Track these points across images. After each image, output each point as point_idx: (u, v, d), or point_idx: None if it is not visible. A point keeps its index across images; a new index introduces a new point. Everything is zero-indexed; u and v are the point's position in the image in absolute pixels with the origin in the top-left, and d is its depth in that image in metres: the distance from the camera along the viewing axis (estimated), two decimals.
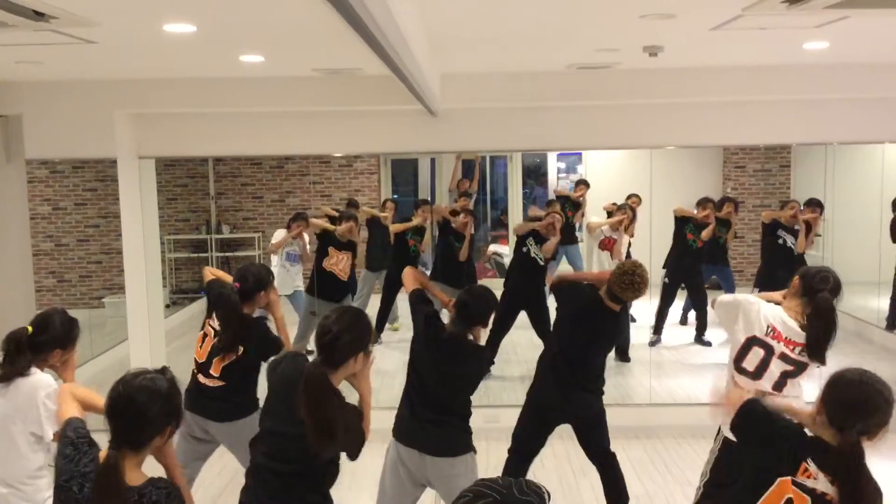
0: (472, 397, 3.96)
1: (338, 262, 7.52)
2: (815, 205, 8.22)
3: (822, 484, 2.45)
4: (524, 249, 7.37)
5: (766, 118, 6.35)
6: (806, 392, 3.90)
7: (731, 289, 8.74)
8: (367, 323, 3.17)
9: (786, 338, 3.81)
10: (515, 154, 11.96)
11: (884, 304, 8.66)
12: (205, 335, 4.61)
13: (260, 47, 4.67)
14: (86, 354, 8.04)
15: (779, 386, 3.77)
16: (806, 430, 2.59)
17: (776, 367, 3.79)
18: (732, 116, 6.33)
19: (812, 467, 2.44)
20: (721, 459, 3.96)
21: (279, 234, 8.05)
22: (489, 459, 5.63)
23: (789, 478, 2.47)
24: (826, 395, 2.53)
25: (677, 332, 8.92)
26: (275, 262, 8.28)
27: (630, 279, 4.31)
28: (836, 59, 5.53)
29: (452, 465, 3.80)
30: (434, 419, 3.83)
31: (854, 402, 2.47)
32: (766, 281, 7.64)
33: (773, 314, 3.87)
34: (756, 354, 3.85)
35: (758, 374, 3.82)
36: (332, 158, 11.33)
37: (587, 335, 4.51)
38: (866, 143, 8.08)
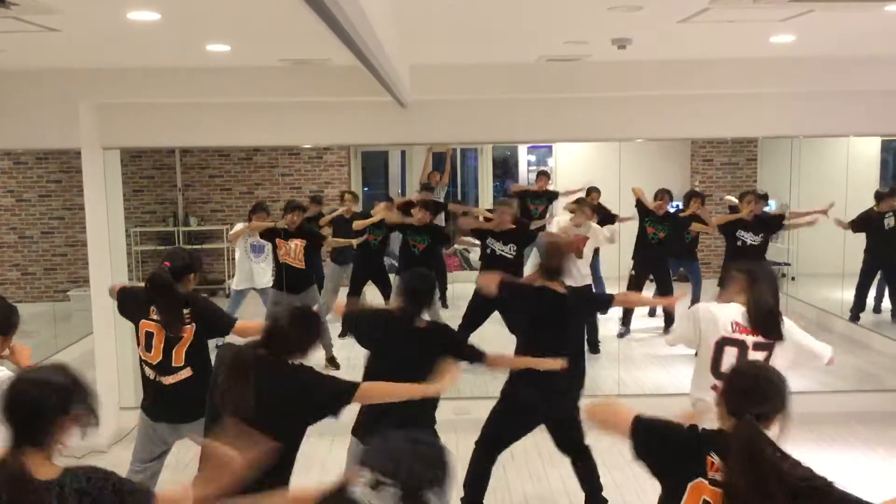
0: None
1: (288, 252, 7.45)
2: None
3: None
4: (488, 251, 7.31)
5: (733, 111, 6.40)
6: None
7: (698, 282, 8.82)
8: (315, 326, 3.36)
9: (751, 328, 3.86)
10: (486, 147, 11.99)
11: (848, 295, 8.79)
12: (148, 334, 4.36)
13: (226, 36, 4.61)
14: (51, 348, 7.93)
15: None
16: (701, 427, 2.59)
17: (756, 357, 3.81)
18: (700, 109, 6.38)
19: (716, 460, 2.43)
20: None
21: (238, 226, 7.97)
22: (458, 451, 5.63)
23: (699, 479, 2.44)
24: (725, 386, 2.60)
25: (645, 324, 8.99)
26: (239, 255, 8.20)
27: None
28: (803, 52, 5.59)
29: None
30: None
31: (747, 389, 2.53)
32: None
33: (731, 312, 3.95)
34: (730, 355, 3.87)
35: None
36: (302, 150, 11.26)
37: (554, 326, 4.51)
38: (832, 137, 8.19)
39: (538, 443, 5.59)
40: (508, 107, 6.35)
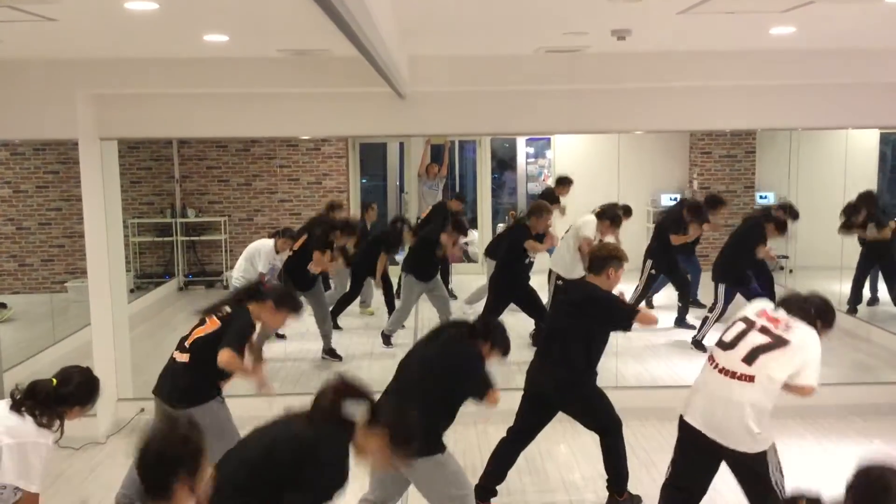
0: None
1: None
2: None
3: None
4: (526, 261, 7.43)
5: (732, 104, 6.39)
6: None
7: (696, 273, 8.86)
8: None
9: (771, 316, 3.86)
10: (484, 139, 11.97)
11: (846, 288, 8.80)
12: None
13: (224, 26, 4.59)
14: (48, 339, 7.93)
15: (749, 359, 3.74)
16: None
17: (753, 339, 3.78)
18: (699, 102, 6.36)
19: None
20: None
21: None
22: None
23: None
24: (853, 483, 2.54)
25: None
26: (246, 266, 8.16)
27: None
28: (803, 44, 5.57)
29: None
30: None
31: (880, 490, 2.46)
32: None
33: (765, 303, 4.04)
34: (737, 328, 3.90)
35: (733, 344, 3.83)
36: (300, 142, 11.23)
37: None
38: (831, 129, 8.18)
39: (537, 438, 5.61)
40: (507, 98, 6.33)
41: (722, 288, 7.74)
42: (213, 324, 4.38)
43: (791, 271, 10.14)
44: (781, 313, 3.86)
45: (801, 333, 3.76)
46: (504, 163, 13.80)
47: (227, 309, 4.42)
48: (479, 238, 12.02)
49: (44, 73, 5.83)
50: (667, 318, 8.72)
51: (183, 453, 2.36)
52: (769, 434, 3.74)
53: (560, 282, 7.63)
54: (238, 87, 6.04)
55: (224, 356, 4.18)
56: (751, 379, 3.68)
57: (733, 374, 3.71)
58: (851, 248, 8.71)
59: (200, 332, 4.40)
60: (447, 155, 11.56)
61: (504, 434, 4.88)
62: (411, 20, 4.41)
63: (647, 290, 8.78)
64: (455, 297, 8.13)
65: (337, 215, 9.00)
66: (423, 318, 8.54)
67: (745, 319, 3.91)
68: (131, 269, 10.57)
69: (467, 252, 11.38)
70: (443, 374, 4.00)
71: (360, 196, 12.08)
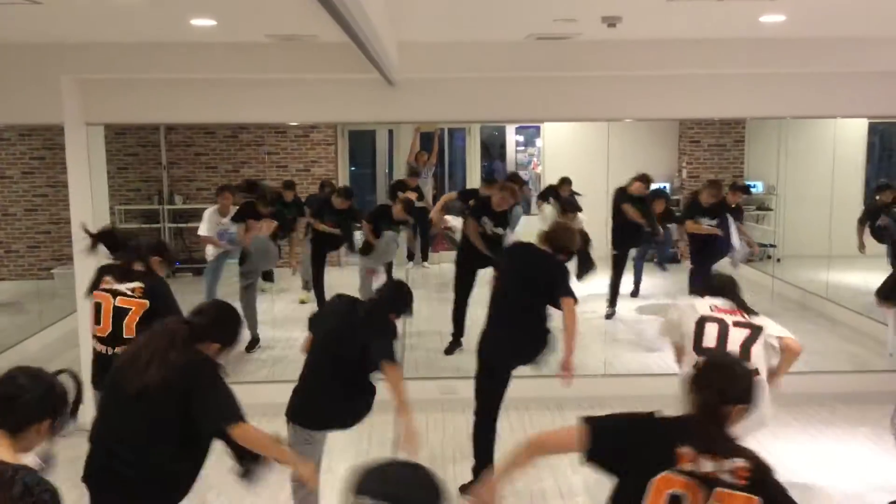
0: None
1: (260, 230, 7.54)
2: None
3: (707, 466, 2.30)
4: (479, 230, 7.25)
5: (722, 92, 6.39)
6: None
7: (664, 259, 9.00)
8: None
9: (728, 308, 3.98)
10: (474, 126, 11.94)
11: (833, 277, 8.82)
12: (98, 305, 4.46)
13: (211, 10, 4.55)
14: (35, 326, 7.89)
15: (745, 355, 3.80)
16: (660, 415, 2.53)
17: (737, 335, 3.84)
18: (689, 90, 6.36)
19: (687, 451, 2.31)
20: None
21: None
22: (446, 429, 5.65)
23: (666, 472, 2.31)
24: (696, 371, 2.59)
25: (632, 305, 9.02)
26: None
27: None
28: (792, 32, 5.57)
29: None
30: None
31: (717, 368, 2.56)
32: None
33: (710, 300, 4.13)
34: (712, 328, 3.91)
35: (720, 345, 3.87)
36: (288, 128, 11.18)
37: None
38: (819, 118, 8.20)
39: (525, 425, 5.62)
40: (497, 86, 6.31)
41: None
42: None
43: (779, 260, 10.18)
44: (730, 303, 4.02)
45: (759, 316, 4.01)
46: (493, 151, 13.79)
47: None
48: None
49: (29, 58, 5.76)
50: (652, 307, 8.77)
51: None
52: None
53: None
54: (226, 72, 5.99)
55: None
56: (756, 373, 3.72)
57: None
58: (839, 237, 8.74)
59: (135, 314, 4.38)
60: (437, 143, 11.54)
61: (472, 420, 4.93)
62: (401, 5, 4.38)
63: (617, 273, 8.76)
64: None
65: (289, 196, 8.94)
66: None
67: (713, 319, 3.94)
68: None
69: (453, 238, 11.35)
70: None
71: (349, 183, 12.05)
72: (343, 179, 11.71)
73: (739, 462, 2.29)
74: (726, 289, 4.15)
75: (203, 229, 8.11)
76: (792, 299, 9.10)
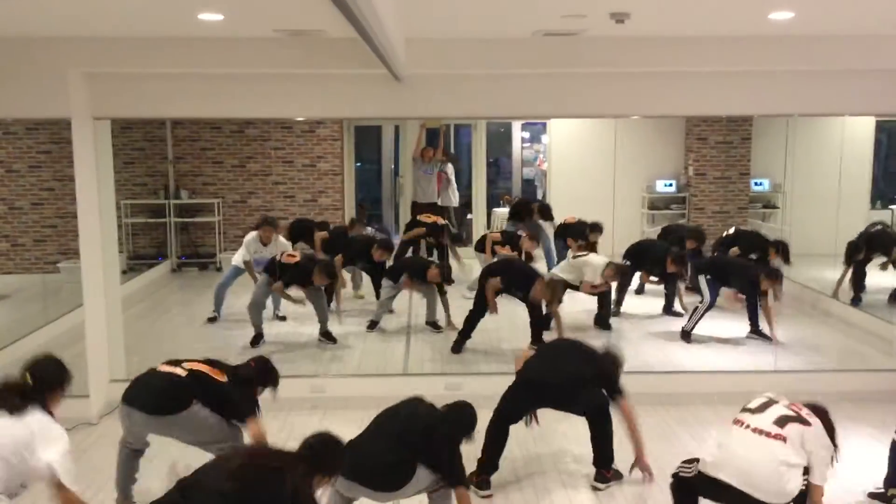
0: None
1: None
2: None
3: None
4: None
5: (729, 89, 6.36)
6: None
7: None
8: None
9: (793, 403, 3.96)
10: (480, 123, 11.93)
11: (839, 276, 8.80)
12: None
13: (219, 5, 4.54)
14: (40, 320, 7.91)
15: (780, 423, 3.84)
16: None
17: (779, 410, 3.89)
18: (696, 87, 6.33)
19: None
20: None
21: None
22: None
23: None
24: None
25: (638, 303, 9.00)
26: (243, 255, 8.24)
27: None
28: (801, 30, 5.55)
29: None
30: None
31: None
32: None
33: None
34: (762, 399, 4.00)
35: (761, 410, 3.93)
36: (294, 124, 11.18)
37: None
38: (827, 116, 8.17)
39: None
40: (504, 82, 6.29)
41: (703, 280, 7.72)
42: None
43: None
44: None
45: (818, 426, 3.86)
46: (499, 147, 13.78)
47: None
48: (473, 221, 12.02)
49: (37, 52, 5.76)
50: (656, 305, 8.75)
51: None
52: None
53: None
54: (232, 67, 5.98)
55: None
56: (784, 439, 3.73)
57: (768, 434, 3.76)
58: (846, 235, 8.72)
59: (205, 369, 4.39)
60: (442, 139, 11.53)
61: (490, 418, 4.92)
62: (409, 1, 4.37)
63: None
64: (452, 282, 8.12)
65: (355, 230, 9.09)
66: (415, 303, 8.55)
67: (769, 396, 3.99)
68: (124, 251, 10.54)
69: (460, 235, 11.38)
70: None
71: (354, 179, 12.06)
72: (349, 175, 11.72)
73: None
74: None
75: (240, 256, 8.24)
76: (798, 298, 9.08)
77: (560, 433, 5.57)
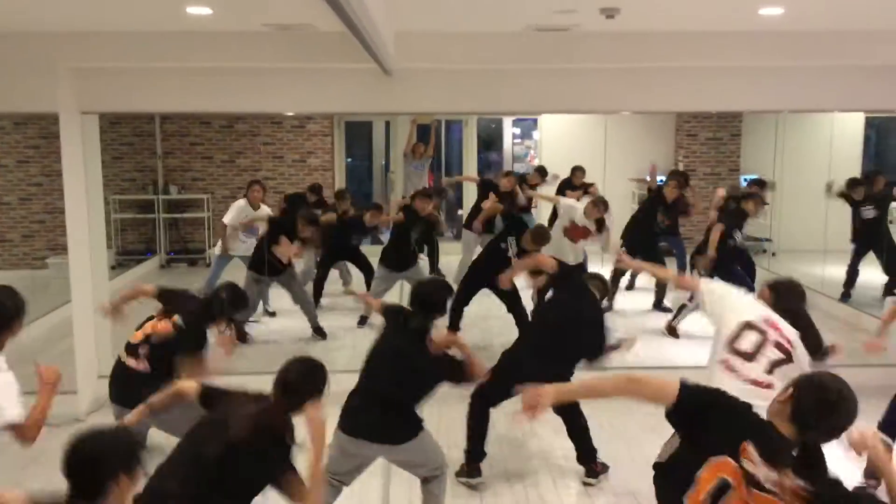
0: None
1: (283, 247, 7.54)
2: None
3: (760, 470, 2.37)
4: (503, 245, 7.25)
5: (719, 85, 6.36)
6: None
7: (682, 255, 8.86)
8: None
9: (779, 326, 3.90)
10: (471, 119, 11.92)
11: (829, 271, 8.83)
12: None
13: None
14: (28, 316, 7.85)
15: (769, 370, 3.80)
16: (755, 410, 2.55)
17: (770, 354, 3.83)
18: (686, 82, 6.33)
19: (751, 449, 2.39)
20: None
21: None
22: (440, 421, 5.64)
23: (728, 458, 2.42)
24: (794, 392, 2.54)
25: (630, 299, 9.01)
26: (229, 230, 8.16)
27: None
28: (791, 25, 5.55)
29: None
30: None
31: (822, 403, 2.50)
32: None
33: (762, 311, 4.01)
34: (750, 337, 3.89)
35: (753, 356, 3.85)
36: (284, 119, 11.14)
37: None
38: (816, 112, 8.19)
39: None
40: (495, 77, 6.27)
41: (696, 275, 7.70)
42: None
43: (774, 254, 10.20)
44: (784, 324, 3.93)
45: (800, 349, 3.89)
46: (490, 143, 13.77)
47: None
48: (463, 219, 11.99)
49: (24, 46, 5.72)
50: (647, 300, 8.76)
51: (118, 451, 2.39)
52: None
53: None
54: (221, 61, 5.95)
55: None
56: (771, 387, 3.71)
57: (760, 384, 3.75)
58: (835, 231, 8.75)
59: (158, 327, 4.48)
60: (433, 135, 11.51)
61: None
62: None
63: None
64: (443, 276, 8.10)
65: (312, 198, 8.97)
66: (406, 298, 8.51)
67: (757, 329, 3.91)
68: (113, 246, 10.49)
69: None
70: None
71: (345, 174, 12.03)
72: (339, 171, 11.69)
73: (799, 483, 2.31)
74: (792, 299, 4.13)
75: (229, 218, 8.15)
76: None
77: (550, 428, 5.57)
